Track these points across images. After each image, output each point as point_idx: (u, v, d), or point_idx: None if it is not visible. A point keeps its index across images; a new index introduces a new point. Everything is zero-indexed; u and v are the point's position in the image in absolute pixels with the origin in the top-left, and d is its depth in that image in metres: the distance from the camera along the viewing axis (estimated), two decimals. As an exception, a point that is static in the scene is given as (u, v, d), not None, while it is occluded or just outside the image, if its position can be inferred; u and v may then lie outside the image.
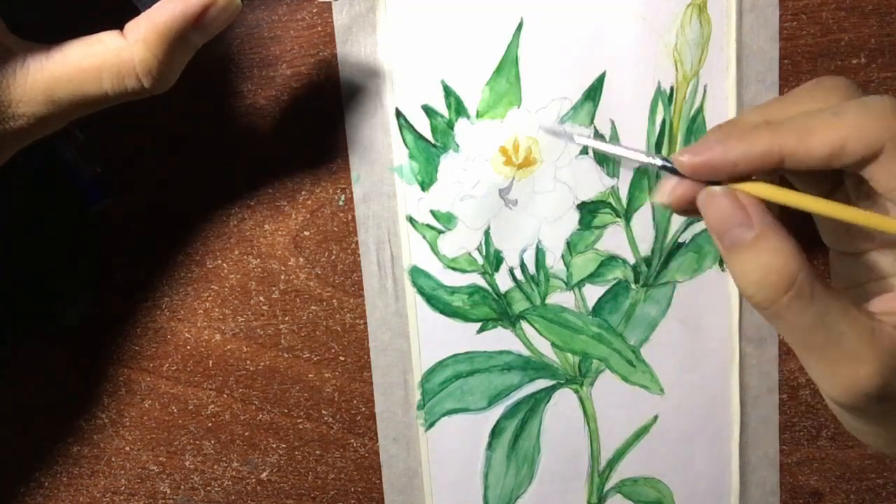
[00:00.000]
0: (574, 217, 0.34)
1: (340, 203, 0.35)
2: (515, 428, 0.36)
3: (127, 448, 0.38)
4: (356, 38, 0.33)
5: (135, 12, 0.26)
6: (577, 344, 0.36)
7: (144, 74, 0.25)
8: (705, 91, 0.33)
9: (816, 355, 0.25)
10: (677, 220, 0.35)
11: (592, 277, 0.35)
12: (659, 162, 0.26)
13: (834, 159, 0.24)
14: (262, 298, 0.36)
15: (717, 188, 0.25)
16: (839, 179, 0.27)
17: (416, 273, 0.35)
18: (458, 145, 0.34)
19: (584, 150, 0.34)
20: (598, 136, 0.34)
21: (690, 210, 0.27)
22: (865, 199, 0.26)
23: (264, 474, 0.38)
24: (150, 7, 0.26)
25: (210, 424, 0.37)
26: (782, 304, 0.24)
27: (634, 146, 0.33)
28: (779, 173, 0.26)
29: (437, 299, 0.35)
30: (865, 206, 0.26)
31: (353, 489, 0.38)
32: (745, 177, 0.25)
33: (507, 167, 0.34)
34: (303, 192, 0.35)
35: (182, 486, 0.38)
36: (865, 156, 0.24)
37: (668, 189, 0.26)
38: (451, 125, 0.34)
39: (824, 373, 0.25)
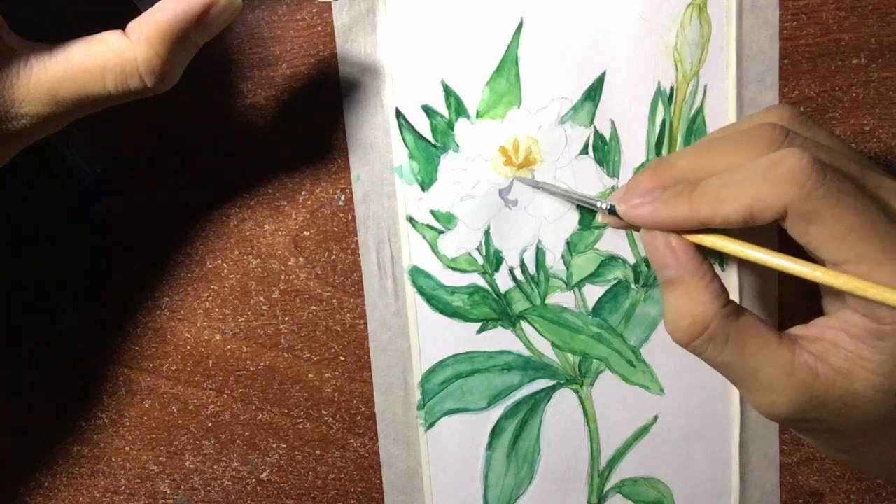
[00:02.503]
0: (574, 217, 0.34)
1: (340, 203, 0.35)
2: (515, 428, 0.36)
3: (127, 448, 0.38)
4: (356, 38, 0.33)
5: (136, 12, 0.26)
6: (577, 344, 0.36)
7: (147, 74, 0.26)
8: (705, 91, 0.33)
9: (737, 384, 0.28)
10: (677, 220, 0.35)
11: (592, 277, 0.35)
12: (606, 207, 0.30)
13: (749, 223, 0.26)
14: (262, 298, 0.36)
15: (655, 231, 0.28)
16: None
17: (416, 273, 0.35)
18: (458, 145, 0.34)
19: (584, 150, 0.34)
20: (598, 135, 0.34)
21: (630, 227, 0.32)
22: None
23: (264, 474, 0.38)
24: (151, 7, 0.26)
25: (210, 424, 0.37)
26: (696, 345, 0.27)
27: (589, 190, 0.34)
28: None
29: (437, 299, 0.35)
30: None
31: (353, 489, 0.38)
32: None
33: (507, 167, 0.34)
34: (303, 192, 0.35)
35: (182, 486, 0.38)
36: (775, 218, 0.25)
37: (608, 219, 0.31)
38: (451, 125, 0.34)
39: (746, 397, 0.28)
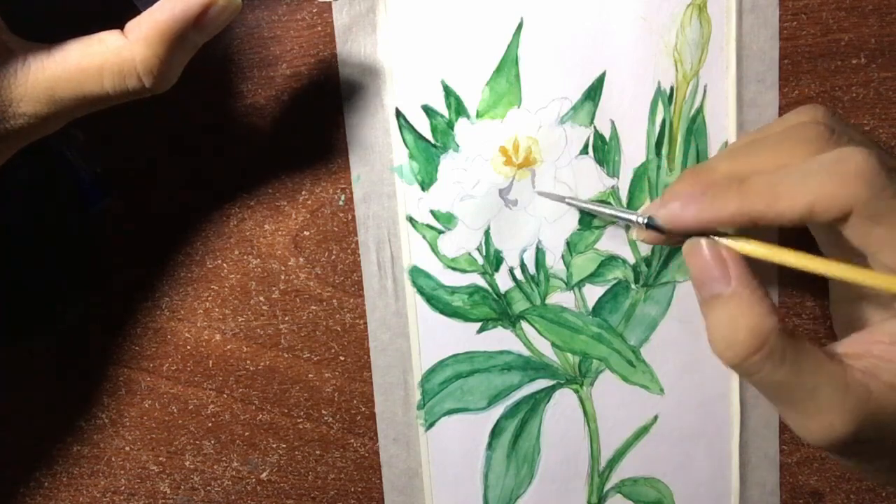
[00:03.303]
0: (574, 217, 0.34)
1: (340, 203, 0.35)
2: (515, 428, 0.36)
3: (127, 448, 0.38)
4: (356, 38, 0.33)
5: (135, 12, 0.26)
6: (577, 344, 0.36)
7: (145, 74, 0.26)
8: (705, 91, 0.33)
9: (790, 408, 0.25)
10: (677, 220, 0.35)
11: (592, 277, 0.35)
12: (643, 220, 0.28)
13: (804, 222, 0.24)
14: (262, 298, 0.36)
15: (702, 239, 0.26)
16: None
17: (416, 273, 0.35)
18: (458, 145, 0.34)
19: (584, 150, 0.34)
20: (598, 135, 0.34)
21: (668, 242, 0.28)
22: (850, 248, 0.26)
23: (264, 474, 0.38)
24: (150, 6, 0.26)
25: (210, 424, 0.37)
26: (753, 362, 0.25)
27: (620, 208, 0.34)
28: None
29: (437, 299, 0.35)
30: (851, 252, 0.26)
31: (353, 489, 0.38)
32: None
33: (507, 167, 0.34)
34: (303, 192, 0.35)
35: (182, 486, 0.38)
36: (836, 218, 0.24)
37: (645, 234, 0.28)
38: (451, 125, 0.34)
39: (798, 423, 0.26)
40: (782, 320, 0.26)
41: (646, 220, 0.28)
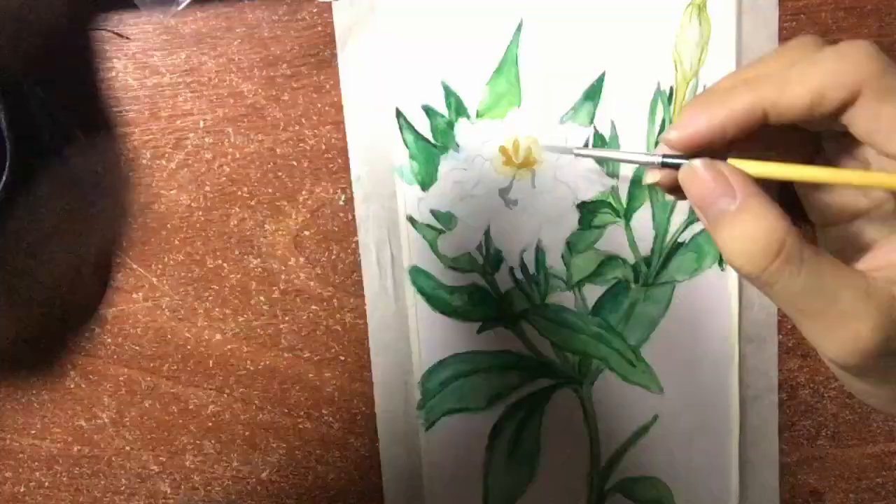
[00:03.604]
0: (574, 217, 0.34)
1: (340, 203, 0.35)
2: (515, 428, 0.36)
3: (127, 448, 0.38)
4: (356, 38, 0.33)
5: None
6: (577, 344, 0.36)
7: None
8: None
9: (813, 319, 0.25)
10: (677, 220, 0.35)
11: (592, 277, 0.35)
12: (659, 160, 0.26)
13: (815, 107, 0.24)
14: (262, 298, 0.36)
15: (697, 161, 0.25)
16: (818, 146, 0.27)
17: (416, 273, 0.35)
18: (458, 145, 0.34)
19: (584, 150, 0.34)
20: (598, 135, 0.34)
21: (679, 189, 0.27)
22: (846, 158, 0.26)
23: (264, 474, 0.38)
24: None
25: (210, 424, 0.37)
26: (772, 271, 0.24)
27: (631, 148, 0.33)
28: (763, 126, 0.25)
29: (437, 299, 0.35)
30: (846, 167, 0.26)
31: (353, 489, 0.38)
32: (730, 147, 0.25)
33: (507, 167, 0.34)
34: (303, 192, 0.35)
35: (182, 486, 0.38)
36: (845, 99, 0.23)
37: (657, 171, 0.27)
38: (451, 125, 0.34)
39: (824, 336, 0.25)
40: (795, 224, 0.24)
41: (661, 160, 0.26)
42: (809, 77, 0.24)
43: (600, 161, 0.34)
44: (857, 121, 0.24)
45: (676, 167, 0.26)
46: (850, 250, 0.27)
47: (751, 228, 0.24)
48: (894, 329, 0.23)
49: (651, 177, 0.28)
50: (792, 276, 0.24)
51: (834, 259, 0.24)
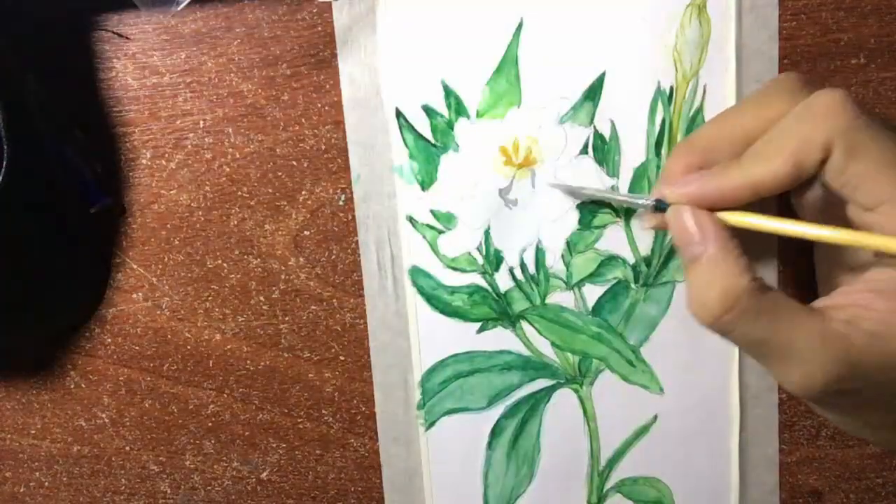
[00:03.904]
0: (574, 217, 0.34)
1: (340, 203, 0.35)
2: (515, 428, 0.36)
3: (127, 448, 0.38)
4: (356, 38, 0.33)
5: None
6: (577, 344, 0.36)
7: None
8: (705, 91, 0.33)
9: (769, 361, 0.26)
10: (677, 220, 0.35)
11: (592, 277, 0.35)
12: (652, 203, 0.29)
13: (798, 175, 0.25)
14: (262, 298, 0.36)
15: (682, 206, 0.27)
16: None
17: (416, 273, 0.35)
18: (458, 145, 0.34)
19: (584, 150, 0.34)
20: (598, 135, 0.34)
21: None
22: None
23: (264, 474, 0.38)
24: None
25: (210, 424, 0.37)
26: (725, 321, 0.26)
27: (627, 192, 0.34)
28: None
29: (437, 299, 0.35)
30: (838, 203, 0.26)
31: (353, 489, 0.38)
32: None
33: (507, 167, 0.34)
34: (303, 192, 0.35)
35: (182, 486, 0.38)
36: (822, 158, 0.24)
37: (653, 216, 0.29)
38: (451, 125, 0.34)
39: (779, 373, 0.26)
40: (755, 278, 0.26)
41: (654, 203, 0.29)
42: (784, 147, 0.25)
43: (600, 161, 0.34)
44: (830, 175, 0.25)
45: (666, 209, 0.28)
46: (842, 267, 0.28)
47: (711, 280, 0.26)
48: (848, 371, 0.25)
49: (649, 222, 0.31)
50: (747, 327, 0.26)
51: (794, 305, 0.26)
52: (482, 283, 0.35)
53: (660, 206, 0.28)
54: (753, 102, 0.27)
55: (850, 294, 0.26)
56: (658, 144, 0.34)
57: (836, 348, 0.25)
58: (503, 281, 0.35)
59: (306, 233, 0.35)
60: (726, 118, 0.28)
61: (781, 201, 0.31)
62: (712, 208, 0.27)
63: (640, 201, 0.30)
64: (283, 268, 0.36)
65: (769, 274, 0.35)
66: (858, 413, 0.27)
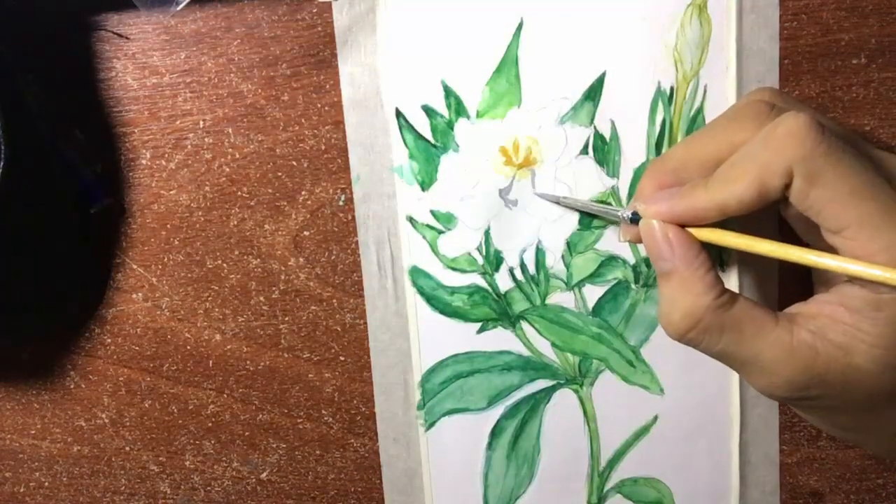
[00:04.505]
0: (574, 217, 0.34)
1: (340, 203, 0.35)
2: (515, 428, 0.36)
3: (127, 448, 0.38)
4: (356, 38, 0.33)
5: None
6: (577, 344, 0.36)
7: None
8: (705, 91, 0.33)
9: (736, 369, 0.28)
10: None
11: (592, 278, 0.35)
12: (629, 215, 0.29)
13: (764, 198, 0.25)
14: (262, 298, 0.36)
15: (654, 221, 0.28)
16: None
17: (416, 273, 0.35)
18: (458, 145, 0.34)
19: (584, 150, 0.34)
20: (598, 135, 0.34)
21: None
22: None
23: (264, 474, 0.38)
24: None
25: (210, 424, 0.37)
26: (690, 338, 0.27)
27: (606, 203, 0.34)
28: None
29: (437, 299, 0.35)
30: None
31: (353, 489, 0.38)
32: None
33: (507, 167, 0.34)
34: (303, 192, 0.35)
35: (182, 486, 0.38)
36: (785, 183, 0.25)
37: (632, 231, 0.30)
38: (451, 125, 0.34)
39: (746, 379, 0.28)
40: (721, 295, 0.27)
41: (630, 215, 0.29)
42: (747, 172, 0.25)
43: (600, 162, 0.34)
44: (794, 199, 0.25)
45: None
46: (826, 273, 0.29)
47: (676, 297, 0.27)
48: (812, 381, 0.26)
49: (625, 234, 0.32)
50: (711, 342, 0.27)
51: (761, 316, 0.27)
52: (482, 283, 0.35)
53: (635, 219, 0.29)
54: (720, 126, 0.28)
55: (823, 305, 0.26)
56: (658, 145, 0.34)
57: (801, 359, 0.26)
58: (503, 281, 0.35)
59: (306, 233, 0.35)
60: (695, 141, 0.29)
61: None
62: (683, 224, 0.28)
63: (618, 213, 0.31)
64: (282, 268, 0.36)
65: (770, 266, 0.35)
66: (827, 415, 0.28)
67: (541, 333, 0.35)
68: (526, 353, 0.36)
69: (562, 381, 0.36)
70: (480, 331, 0.35)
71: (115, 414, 0.37)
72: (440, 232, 0.35)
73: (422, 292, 0.35)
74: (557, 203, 0.34)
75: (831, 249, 0.25)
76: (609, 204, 0.34)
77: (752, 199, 0.25)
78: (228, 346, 0.36)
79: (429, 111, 0.34)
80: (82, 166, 0.34)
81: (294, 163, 0.35)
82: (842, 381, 0.25)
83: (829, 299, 0.26)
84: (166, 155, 0.35)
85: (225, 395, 0.37)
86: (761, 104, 0.27)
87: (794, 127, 0.24)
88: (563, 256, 0.35)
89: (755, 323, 0.26)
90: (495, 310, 0.35)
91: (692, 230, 0.28)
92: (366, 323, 0.36)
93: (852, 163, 0.24)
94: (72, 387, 0.37)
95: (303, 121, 0.34)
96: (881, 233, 0.24)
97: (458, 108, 0.34)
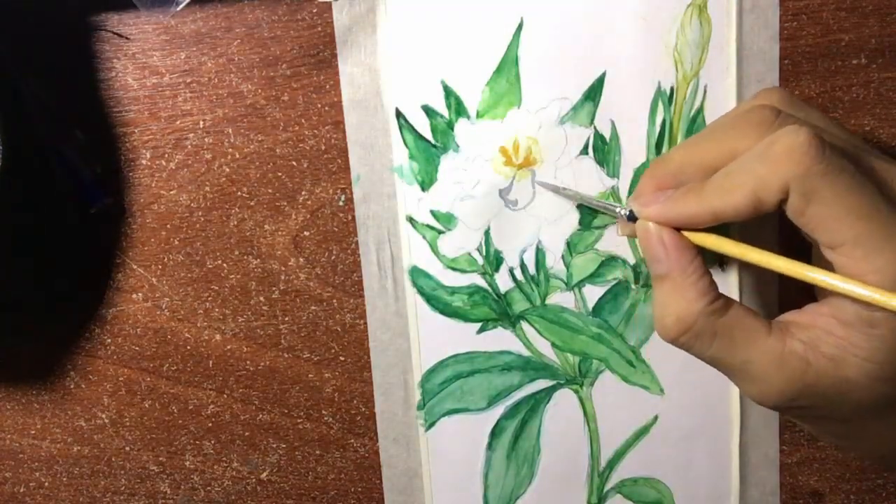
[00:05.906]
0: (574, 217, 0.34)
1: (340, 203, 0.35)
2: (515, 428, 0.36)
3: (127, 448, 0.38)
4: (356, 38, 0.33)
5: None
6: (577, 344, 0.36)
7: None
8: (705, 91, 0.33)
9: (727, 375, 0.28)
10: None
11: (592, 278, 0.35)
12: (626, 212, 0.30)
13: (759, 209, 0.25)
14: (262, 298, 0.36)
15: (650, 223, 0.28)
16: None
17: (416, 273, 0.35)
18: (458, 145, 0.34)
19: (584, 150, 0.34)
20: (598, 135, 0.34)
21: None
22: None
23: (264, 474, 0.38)
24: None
25: (210, 424, 0.37)
26: (682, 342, 0.27)
27: (606, 200, 0.34)
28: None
29: (437, 299, 0.35)
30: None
31: (353, 489, 0.38)
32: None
33: (507, 167, 0.34)
34: (303, 192, 0.35)
35: (182, 486, 0.38)
36: (781, 199, 0.25)
37: (629, 227, 0.30)
38: (451, 125, 0.34)
39: (737, 385, 0.28)
40: (714, 301, 0.27)
41: (627, 213, 0.29)
42: (744, 184, 0.25)
43: (600, 162, 0.34)
44: (791, 214, 0.25)
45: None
46: (821, 294, 0.28)
47: (669, 302, 0.27)
48: (802, 391, 0.26)
49: (623, 230, 0.32)
50: (702, 347, 0.27)
51: (754, 325, 0.27)
52: (482, 283, 0.35)
53: (632, 217, 0.29)
54: (723, 130, 0.28)
55: (817, 316, 0.26)
56: (658, 145, 0.34)
57: (792, 369, 0.26)
58: (503, 281, 0.35)
59: (306, 233, 0.35)
60: (696, 144, 0.28)
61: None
62: (678, 228, 0.28)
63: (616, 210, 0.31)
64: (282, 268, 0.36)
65: (769, 282, 0.35)
66: (819, 424, 0.28)
67: (541, 333, 0.35)
68: (526, 353, 0.36)
69: (562, 382, 0.36)
70: (480, 331, 0.35)
71: (115, 414, 0.37)
72: (440, 232, 0.35)
73: (422, 292, 0.35)
74: (557, 192, 0.34)
75: (829, 260, 0.25)
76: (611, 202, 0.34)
77: (747, 210, 0.25)
78: (228, 346, 0.36)
79: (429, 111, 0.34)
80: (82, 166, 0.34)
81: (294, 163, 0.35)
82: (832, 393, 0.25)
83: (823, 311, 0.26)
84: (166, 155, 0.35)
85: (225, 396, 0.37)
86: (767, 110, 0.26)
87: (793, 144, 0.24)
88: (563, 256, 0.35)
89: (747, 331, 0.26)
90: (495, 310, 0.35)
91: (688, 234, 0.28)
92: (366, 323, 0.36)
93: (850, 181, 0.24)
94: (72, 387, 0.37)
95: (303, 121, 0.34)
96: (875, 253, 0.24)
97: (458, 109, 0.34)
